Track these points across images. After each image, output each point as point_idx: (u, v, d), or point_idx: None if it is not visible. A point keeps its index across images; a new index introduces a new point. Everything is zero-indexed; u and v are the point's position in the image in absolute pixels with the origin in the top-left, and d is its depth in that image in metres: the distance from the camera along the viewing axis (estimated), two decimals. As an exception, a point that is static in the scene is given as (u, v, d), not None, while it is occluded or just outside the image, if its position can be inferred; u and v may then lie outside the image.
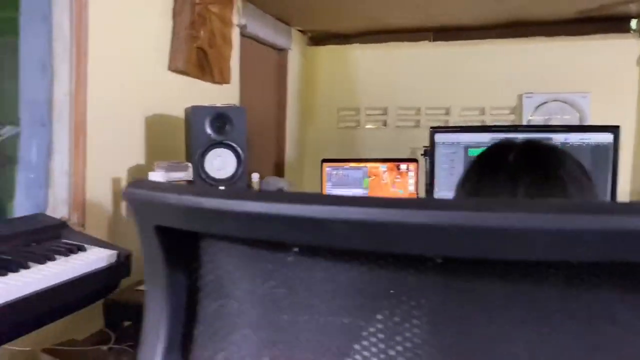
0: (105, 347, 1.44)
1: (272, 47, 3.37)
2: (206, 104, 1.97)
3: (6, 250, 1.22)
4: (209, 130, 1.87)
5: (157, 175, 1.69)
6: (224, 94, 2.58)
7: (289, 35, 3.51)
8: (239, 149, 1.91)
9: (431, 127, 1.73)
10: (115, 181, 1.91)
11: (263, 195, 0.30)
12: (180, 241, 0.37)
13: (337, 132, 3.88)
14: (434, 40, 3.59)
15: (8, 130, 2.53)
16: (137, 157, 2.02)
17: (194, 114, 1.87)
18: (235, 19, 2.68)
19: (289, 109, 3.59)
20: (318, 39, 3.87)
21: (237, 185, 1.91)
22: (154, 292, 0.38)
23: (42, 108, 1.71)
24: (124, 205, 1.95)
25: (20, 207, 1.77)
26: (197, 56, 2.28)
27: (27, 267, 1.15)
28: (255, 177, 1.95)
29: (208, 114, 1.87)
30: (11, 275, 1.10)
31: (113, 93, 1.87)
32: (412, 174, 1.78)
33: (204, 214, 0.32)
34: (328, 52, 3.89)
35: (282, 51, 3.50)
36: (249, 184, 1.95)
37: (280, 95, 3.54)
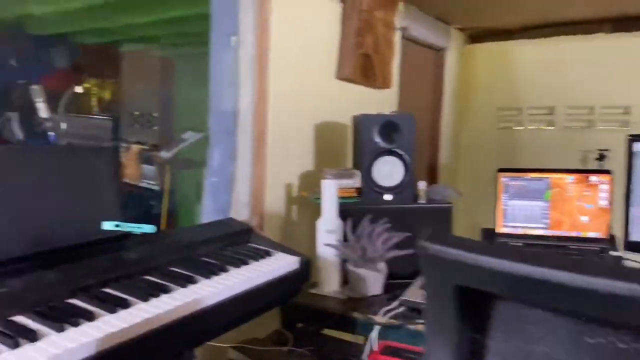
0: (285, 349, 1.51)
1: (430, 47, 3.29)
2: (368, 109, 1.98)
3: (206, 253, 1.33)
4: (377, 139, 1.87)
5: (329, 184, 1.73)
6: (384, 99, 2.58)
7: (448, 34, 3.40)
8: (406, 157, 1.89)
9: (629, 135, 1.54)
10: (289, 186, 2.00)
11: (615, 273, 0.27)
12: (477, 301, 0.35)
13: (496, 133, 3.67)
14: (614, 31, 3.22)
15: (191, 136, 2.81)
16: (307, 163, 2.09)
17: (363, 122, 1.88)
18: (397, 22, 2.66)
19: (444, 111, 3.49)
20: (477, 36, 3.70)
21: (404, 194, 1.89)
22: (438, 346, 0.37)
23: (229, 118, 1.85)
24: (295, 208, 2.04)
25: (207, 208, 1.93)
26: (362, 63, 2.30)
27: (226, 270, 1.24)
28: (421, 185, 1.91)
29: (377, 122, 1.87)
30: (215, 278, 1.19)
31: (288, 103, 1.96)
32: (604, 187, 1.61)
33: (526, 281, 0.30)
34: (487, 49, 3.70)
35: (439, 51, 3.40)
36: (416, 193, 1.91)
37: (435, 97, 3.45)
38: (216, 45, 1.89)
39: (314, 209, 1.94)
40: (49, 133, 2.33)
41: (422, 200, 1.90)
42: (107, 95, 6.55)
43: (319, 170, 2.07)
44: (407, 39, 2.90)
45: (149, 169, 2.77)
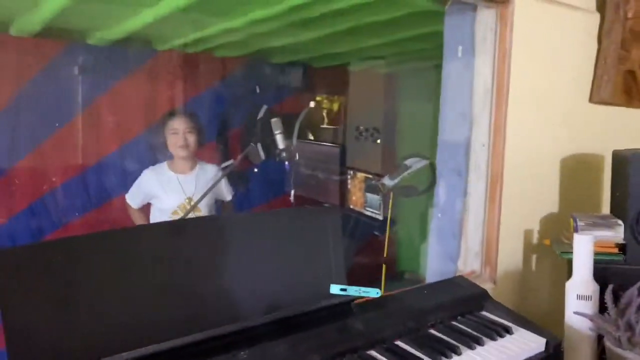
0: None
1: None
2: (629, 137, 1.61)
3: (435, 324, 1.19)
4: (650, 182, 1.49)
5: (583, 240, 1.43)
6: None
7: None
8: (693, 207, 1.46)
9: None
10: (527, 233, 1.73)
11: None
12: None
13: None
14: None
15: (414, 162, 2.70)
16: (550, 205, 1.80)
17: (631, 161, 1.52)
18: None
19: None
20: None
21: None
22: None
23: (459, 154, 1.68)
24: (534, 259, 1.77)
25: (433, 252, 1.79)
26: (624, 81, 1.89)
27: (459, 353, 1.08)
28: None
29: (651, 161, 1.49)
30: (446, 363, 1.05)
31: (528, 137, 1.70)
32: None
33: None
34: None
35: None
36: None
37: None
38: (447, 74, 1.74)
39: (557, 262, 1.65)
40: (285, 163, 2.48)
41: None
42: (335, 107, 6.96)
43: (564, 214, 1.76)
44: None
45: (372, 197, 2.75)
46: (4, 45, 2.90)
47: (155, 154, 2.72)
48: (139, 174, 2.52)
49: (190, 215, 2.32)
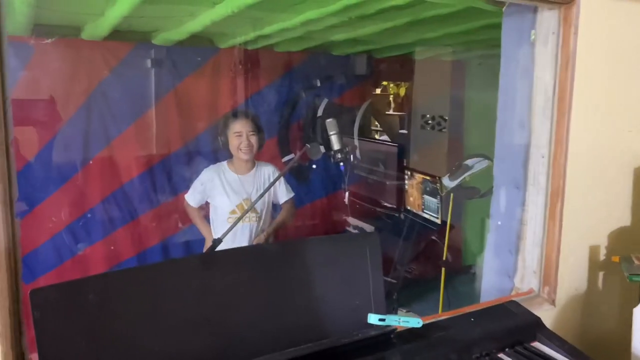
0: None
1: None
2: None
3: (478, 356, 1.14)
4: None
5: (654, 264, 1.31)
6: None
7: None
8: None
9: None
10: (593, 249, 1.61)
11: None
12: None
13: None
14: None
15: (475, 162, 2.58)
16: (621, 219, 1.65)
17: None
18: None
19: None
20: None
21: None
22: None
23: (517, 169, 1.58)
24: (601, 276, 1.64)
25: (488, 267, 1.71)
26: None
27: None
28: None
29: None
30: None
31: (594, 146, 1.56)
32: None
33: None
34: None
35: None
36: None
37: None
38: (505, 76, 1.63)
39: (627, 282, 1.52)
40: (340, 164, 2.43)
41: None
42: (402, 92, 6.79)
43: (638, 228, 1.62)
44: None
45: (430, 200, 2.66)
46: (76, 49, 3.05)
47: (216, 153, 2.77)
48: (199, 173, 2.58)
49: (247, 215, 2.36)
